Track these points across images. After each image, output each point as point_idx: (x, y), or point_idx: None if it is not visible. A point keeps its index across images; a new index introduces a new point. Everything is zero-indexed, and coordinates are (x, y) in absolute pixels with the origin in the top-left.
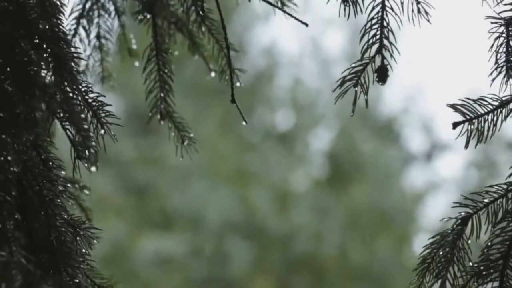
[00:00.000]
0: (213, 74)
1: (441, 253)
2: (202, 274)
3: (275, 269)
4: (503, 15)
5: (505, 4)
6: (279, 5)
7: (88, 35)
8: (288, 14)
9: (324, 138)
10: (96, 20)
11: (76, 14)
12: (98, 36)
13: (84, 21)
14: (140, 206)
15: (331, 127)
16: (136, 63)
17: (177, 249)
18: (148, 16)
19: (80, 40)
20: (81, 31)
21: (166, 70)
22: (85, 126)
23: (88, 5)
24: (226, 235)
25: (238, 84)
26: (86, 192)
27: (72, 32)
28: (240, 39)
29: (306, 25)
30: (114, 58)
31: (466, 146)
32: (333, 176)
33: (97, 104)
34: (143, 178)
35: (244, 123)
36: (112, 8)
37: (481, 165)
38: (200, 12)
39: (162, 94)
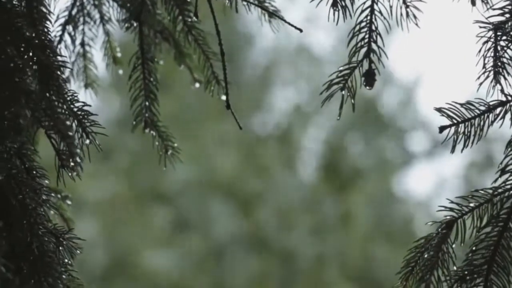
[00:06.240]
0: (197, 85)
1: (425, 256)
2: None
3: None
4: (492, 19)
5: (494, 9)
6: (267, 16)
7: (73, 42)
8: (283, 19)
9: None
10: (81, 27)
11: (62, 20)
12: (82, 43)
13: (70, 28)
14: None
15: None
16: (120, 71)
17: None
18: (135, 24)
19: (66, 46)
20: (66, 37)
21: (151, 79)
22: (70, 134)
23: (74, 11)
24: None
25: (223, 97)
26: (68, 202)
27: (58, 38)
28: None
29: (300, 30)
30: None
31: (452, 150)
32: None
33: (82, 113)
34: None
35: (240, 128)
36: (97, 15)
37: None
38: (194, 18)
39: (147, 103)
